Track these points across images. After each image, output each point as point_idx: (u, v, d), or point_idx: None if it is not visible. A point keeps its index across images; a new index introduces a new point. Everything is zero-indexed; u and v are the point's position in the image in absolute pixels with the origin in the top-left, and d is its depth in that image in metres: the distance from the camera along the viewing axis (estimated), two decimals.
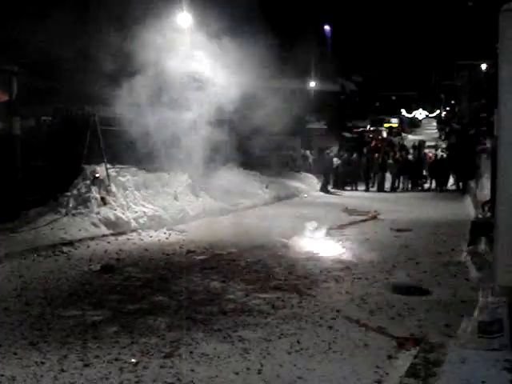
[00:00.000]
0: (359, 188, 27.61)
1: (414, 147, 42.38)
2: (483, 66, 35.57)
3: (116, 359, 5.64)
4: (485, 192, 14.46)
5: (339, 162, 27.56)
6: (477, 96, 36.08)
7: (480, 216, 11.70)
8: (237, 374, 5.32)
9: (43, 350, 5.86)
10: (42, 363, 5.54)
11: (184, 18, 15.75)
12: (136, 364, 5.51)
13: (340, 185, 27.28)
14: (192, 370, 5.37)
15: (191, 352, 5.83)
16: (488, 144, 20.23)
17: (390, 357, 5.72)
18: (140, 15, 13.78)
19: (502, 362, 4.95)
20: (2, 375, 5.22)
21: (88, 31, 15.68)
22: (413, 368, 5.10)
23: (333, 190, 26.22)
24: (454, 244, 12.08)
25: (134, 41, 13.36)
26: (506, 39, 5.61)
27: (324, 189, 26.13)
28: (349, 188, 27.49)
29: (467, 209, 18.52)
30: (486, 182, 15.01)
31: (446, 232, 13.80)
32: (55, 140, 14.85)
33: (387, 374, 5.29)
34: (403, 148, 39.82)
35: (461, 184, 26.36)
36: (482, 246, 10.35)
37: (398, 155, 30.10)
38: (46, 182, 13.85)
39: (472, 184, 22.57)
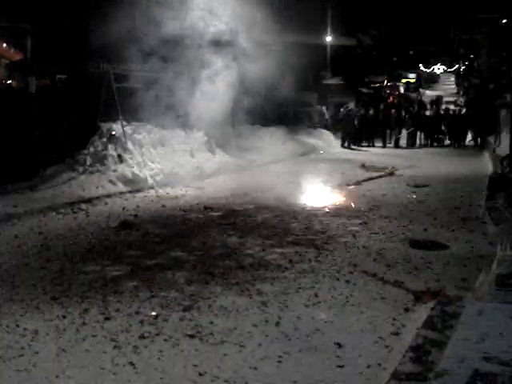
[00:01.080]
0: (376, 144, 27.41)
1: (431, 103, 41.86)
2: (503, 21, 34.77)
3: (136, 312, 5.73)
4: (503, 147, 14.32)
5: (356, 117, 27.28)
6: (496, 50, 35.35)
7: (498, 171, 11.61)
8: (255, 326, 5.39)
9: (65, 305, 5.96)
10: (64, 317, 5.64)
11: None
12: (156, 317, 5.60)
13: (357, 141, 27.08)
14: (211, 323, 5.45)
15: (210, 305, 5.90)
16: (508, 98, 19.92)
17: (406, 310, 5.76)
18: None
19: None
20: (26, 329, 5.33)
21: None
22: (430, 320, 5.14)
23: (351, 146, 26.08)
24: (471, 199, 12.03)
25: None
26: None
27: (342, 144, 26.05)
28: (366, 144, 27.29)
29: (485, 164, 18.36)
30: (504, 137, 14.86)
31: (463, 187, 13.71)
32: (71, 98, 14.83)
33: (404, 326, 5.34)
34: (421, 103, 39.35)
35: (479, 140, 26.10)
36: (500, 201, 10.31)
37: (415, 111, 29.76)
38: (62, 140, 13.90)
39: (491, 139, 22.34)
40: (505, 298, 5.23)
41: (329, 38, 33.70)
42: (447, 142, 27.80)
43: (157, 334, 5.21)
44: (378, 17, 43.61)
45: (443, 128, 28.17)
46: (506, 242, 5.85)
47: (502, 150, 14.47)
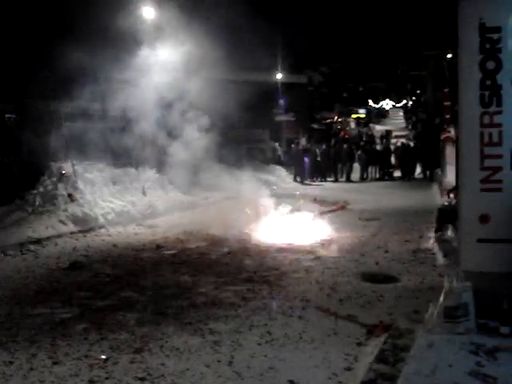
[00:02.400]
0: (328, 179, 27.75)
1: (381, 137, 42.76)
2: (447, 56, 35.98)
3: (86, 356, 5.60)
4: (450, 180, 14.67)
5: (308, 153, 27.63)
6: (441, 85, 36.48)
7: (446, 203, 11.86)
8: (208, 366, 5.33)
9: (12, 350, 5.81)
10: (11, 363, 5.48)
11: (148, 11, 15.66)
12: (106, 360, 5.49)
13: (309, 176, 27.38)
14: (162, 364, 5.37)
15: (161, 346, 5.82)
16: (452, 132, 20.50)
17: (359, 344, 5.78)
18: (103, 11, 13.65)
19: (468, 346, 5.04)
20: None
21: (54, 26, 15.48)
22: (382, 354, 5.18)
23: (303, 182, 26.32)
24: (421, 231, 12.24)
25: (100, 36, 13.23)
26: (465, 28, 5.71)
27: (294, 180, 26.29)
28: (318, 179, 27.61)
29: (434, 197, 18.74)
30: (450, 170, 15.23)
31: (413, 220, 13.97)
32: (20, 137, 14.64)
33: (357, 360, 5.36)
34: (371, 138, 40.14)
35: (428, 172, 26.70)
36: (449, 233, 10.51)
37: (365, 145, 30.35)
38: (11, 180, 13.67)
39: (438, 172, 22.87)
40: (453, 329, 5.30)
41: (280, 76, 34.24)
42: (397, 174, 28.35)
43: (106, 378, 5.10)
44: (328, 54, 44.63)
45: (393, 162, 28.79)
46: (453, 274, 5.95)
47: (449, 182, 14.82)
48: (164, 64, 14.89)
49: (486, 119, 5.64)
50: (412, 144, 30.72)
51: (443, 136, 22.68)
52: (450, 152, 18.25)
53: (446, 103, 27.45)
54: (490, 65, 5.60)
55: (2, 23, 14.80)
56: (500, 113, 5.62)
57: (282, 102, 34.18)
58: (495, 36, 5.57)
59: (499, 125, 5.62)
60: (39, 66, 15.04)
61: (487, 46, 5.60)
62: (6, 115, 16.54)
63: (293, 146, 28.41)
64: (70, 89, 14.03)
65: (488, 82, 5.62)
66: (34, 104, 15.85)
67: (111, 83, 13.73)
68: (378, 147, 31.11)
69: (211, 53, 14.25)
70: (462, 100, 5.83)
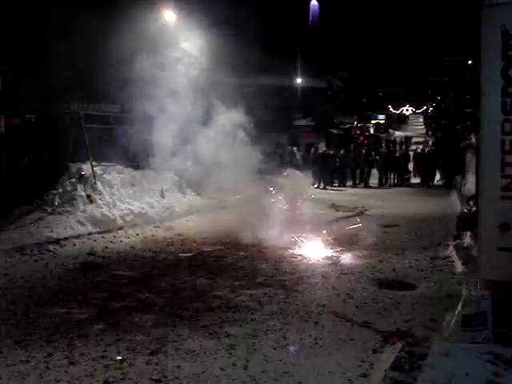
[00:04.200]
0: (347, 184, 27.64)
1: (400, 143, 42.57)
2: (469, 62, 35.74)
3: (101, 356, 5.63)
4: (470, 187, 14.54)
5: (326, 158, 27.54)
6: (462, 92, 36.24)
7: (465, 211, 11.76)
8: (223, 369, 5.33)
9: (29, 349, 5.85)
10: (28, 361, 5.52)
11: (169, 15, 15.75)
12: (121, 361, 5.51)
13: (328, 181, 27.28)
14: (178, 367, 5.37)
15: (177, 348, 5.83)
16: (473, 139, 20.33)
17: (375, 351, 5.75)
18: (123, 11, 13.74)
19: (485, 355, 4.99)
20: None
21: (74, 28, 15.61)
22: (397, 361, 5.14)
23: (321, 187, 26.24)
24: (440, 239, 12.14)
25: (120, 37, 13.30)
26: (487, 34, 5.67)
27: (313, 185, 26.20)
28: (336, 184, 27.51)
29: (453, 204, 18.59)
30: (471, 177, 15.11)
31: (432, 227, 13.87)
32: (40, 138, 14.78)
33: (372, 367, 5.33)
34: (390, 144, 39.99)
35: (447, 179, 26.49)
36: (468, 241, 10.43)
37: (385, 151, 30.22)
38: (31, 181, 13.77)
39: (458, 179, 22.69)
40: (470, 338, 5.25)
41: (300, 81, 34.23)
42: (416, 181, 28.18)
43: (122, 379, 5.11)
44: (347, 59, 44.49)
45: (411, 168, 28.66)
46: (472, 282, 5.90)
47: (469, 189, 14.70)
48: (186, 67, 14.96)
49: (508, 127, 5.60)
50: (432, 150, 30.53)
51: (464, 143, 22.52)
52: (470, 159, 18.11)
53: (467, 110, 27.25)
54: None
55: (25, 23, 14.96)
56: None
57: (300, 107, 34.18)
58: None
59: None
60: (60, 67, 15.18)
61: (510, 53, 5.55)
62: (27, 116, 16.69)
63: (313, 150, 28.31)
64: (90, 90, 14.14)
65: (510, 90, 5.58)
66: (54, 105, 15.99)
67: (132, 85, 13.80)
68: (397, 153, 30.93)
69: (231, 57, 14.30)
70: (484, 107, 5.79)
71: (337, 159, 27.78)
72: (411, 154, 30.58)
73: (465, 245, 10.39)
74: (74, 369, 5.35)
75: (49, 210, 12.98)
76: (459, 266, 9.25)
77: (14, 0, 15.76)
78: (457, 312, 5.49)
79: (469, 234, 10.51)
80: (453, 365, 4.77)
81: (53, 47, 14.53)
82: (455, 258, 9.95)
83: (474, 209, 12.10)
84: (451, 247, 10.83)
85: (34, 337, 6.20)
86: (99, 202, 13.72)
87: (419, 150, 30.27)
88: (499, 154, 5.62)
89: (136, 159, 15.26)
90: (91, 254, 10.67)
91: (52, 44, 14.52)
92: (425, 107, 77.68)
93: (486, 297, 5.41)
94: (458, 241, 10.87)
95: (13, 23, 14.76)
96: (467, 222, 10.49)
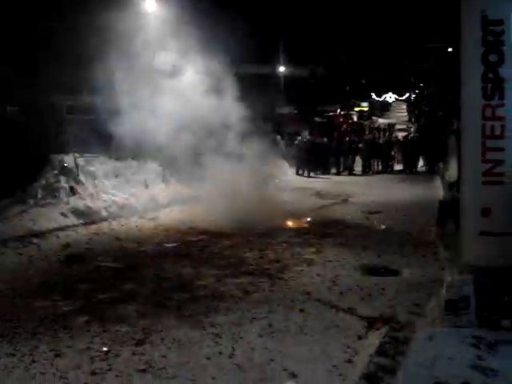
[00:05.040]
0: (331, 172, 27.71)
1: (384, 130, 42.69)
2: (450, 49, 35.88)
3: (87, 348, 5.61)
4: (453, 173, 14.64)
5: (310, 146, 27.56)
6: (444, 78, 36.41)
7: (448, 196, 11.85)
8: (208, 358, 5.34)
9: (13, 342, 5.81)
10: (13, 355, 5.49)
11: (148, 3, 15.65)
12: (107, 352, 5.50)
13: (312, 169, 27.33)
14: (163, 357, 5.38)
15: (163, 338, 5.83)
16: (455, 125, 20.46)
17: (360, 337, 5.79)
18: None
19: (469, 339, 5.04)
20: None
21: (55, 20, 15.44)
22: (382, 347, 5.19)
23: (305, 174, 26.30)
24: (423, 225, 12.23)
25: (101, 28, 13.18)
26: (467, 20, 5.69)
27: (296, 173, 26.25)
28: (320, 172, 27.57)
29: (436, 190, 18.72)
30: (453, 163, 15.20)
31: (415, 213, 13.95)
32: (22, 129, 14.61)
33: (357, 353, 5.36)
34: (375, 131, 40.08)
35: (430, 165, 26.68)
36: (451, 226, 10.50)
37: (368, 138, 30.32)
38: (13, 173, 13.63)
39: (441, 165, 22.85)
40: (454, 322, 5.31)
41: (282, 69, 34.17)
42: (399, 167, 28.34)
43: (108, 370, 5.11)
44: (330, 47, 44.44)
45: (392, 154, 28.81)
46: (455, 267, 5.96)
47: (451, 175, 14.80)
48: (164, 57, 14.85)
49: (488, 112, 5.63)
50: (414, 137, 30.69)
51: (446, 129, 22.67)
52: (452, 145, 18.22)
53: (449, 96, 27.43)
54: (493, 57, 5.58)
55: (6, 14, 14.74)
56: (502, 106, 5.60)
57: (283, 95, 34.14)
58: (498, 29, 5.55)
59: (501, 118, 5.61)
60: (42, 57, 15.00)
61: (490, 38, 5.58)
62: (8, 107, 16.51)
63: (299, 138, 28.31)
64: (72, 80, 14.00)
65: (490, 75, 5.61)
66: (36, 96, 15.82)
67: (115, 75, 13.67)
68: (381, 140, 31.04)
69: (211, 45, 14.21)
70: (465, 93, 5.83)
71: (320, 147, 27.84)
72: (394, 140, 30.71)
73: (448, 230, 10.46)
74: (59, 361, 5.33)
75: (31, 203, 12.86)
76: (442, 252, 9.31)
77: None
78: (440, 297, 5.54)
79: (452, 219, 10.58)
80: (436, 349, 4.81)
81: (35, 36, 14.38)
82: (438, 243, 10.03)
83: (456, 194, 12.20)
84: (434, 233, 10.91)
85: (19, 330, 6.16)
86: (82, 193, 13.64)
87: (401, 138, 30.41)
88: (480, 139, 5.66)
89: (119, 150, 15.15)
90: (67, 246, 10.60)
91: (34, 33, 14.37)
92: (408, 94, 77.86)
93: (468, 281, 5.46)
94: (441, 226, 10.95)
95: None
96: (450, 207, 10.56)
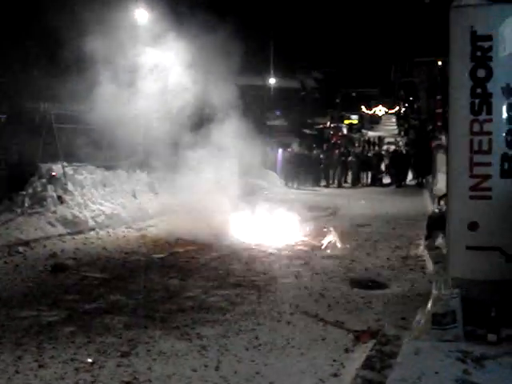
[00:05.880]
0: (320, 184, 27.77)
1: (373, 143, 42.90)
2: (439, 63, 36.17)
3: (72, 359, 5.55)
4: (441, 187, 14.71)
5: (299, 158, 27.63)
6: (433, 92, 36.68)
7: (436, 210, 11.89)
8: (194, 370, 5.30)
9: None
10: None
11: (141, 14, 15.66)
12: (92, 364, 5.44)
13: (301, 181, 27.38)
14: (149, 369, 5.33)
15: (148, 350, 5.78)
16: (443, 139, 20.59)
17: (346, 350, 5.77)
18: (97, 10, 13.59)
19: (455, 353, 5.04)
20: None
21: (44, 28, 15.43)
22: (368, 360, 5.17)
23: (295, 187, 26.34)
24: (411, 238, 12.27)
25: (91, 36, 13.17)
26: (456, 36, 5.74)
27: (286, 184, 26.30)
28: (309, 184, 27.62)
29: (425, 203, 18.80)
30: (441, 177, 15.27)
31: (404, 226, 14.00)
32: (10, 138, 14.56)
33: (344, 366, 5.34)
34: (363, 144, 40.28)
35: (419, 179, 26.80)
36: (439, 240, 10.53)
37: (358, 151, 30.46)
38: (0, 181, 13.57)
39: (429, 179, 22.96)
40: (440, 336, 5.30)
41: (272, 80, 34.28)
42: (388, 181, 28.45)
43: (92, 382, 5.05)
44: (321, 60, 44.70)
45: (382, 168, 28.93)
46: (442, 281, 5.96)
47: (439, 189, 14.89)
48: (157, 65, 14.87)
49: (476, 127, 5.67)
50: (404, 150, 30.85)
51: (434, 143, 22.79)
52: (440, 159, 18.32)
53: (437, 110, 27.60)
54: (481, 73, 5.63)
55: None
56: (490, 121, 5.64)
57: (273, 107, 34.23)
58: (486, 44, 5.60)
59: (489, 133, 5.64)
60: (30, 66, 14.99)
61: (478, 54, 5.62)
62: None
63: (288, 150, 28.38)
64: (60, 90, 13.95)
65: (478, 90, 5.65)
66: (23, 104, 15.77)
67: (105, 85, 13.65)
68: (370, 153, 31.19)
69: (201, 55, 14.24)
70: (453, 107, 5.86)
71: (309, 159, 27.92)
72: (384, 153, 30.85)
73: (436, 244, 10.48)
74: (43, 372, 5.27)
75: (18, 212, 12.78)
76: (430, 265, 9.33)
77: None
78: (427, 311, 5.54)
79: (440, 233, 10.61)
80: (422, 363, 4.81)
81: (22, 44, 14.36)
82: (426, 257, 10.04)
83: (444, 208, 12.24)
84: (422, 246, 10.94)
85: (3, 340, 6.09)
86: (70, 202, 13.57)
87: (391, 150, 30.55)
88: (468, 153, 5.70)
89: (108, 159, 15.12)
90: (54, 256, 10.52)
91: (21, 42, 14.34)
92: (397, 108, 78.39)
93: (455, 295, 5.46)
94: (429, 240, 10.97)
95: None
96: (438, 221, 10.60)
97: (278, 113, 34.37)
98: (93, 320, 6.76)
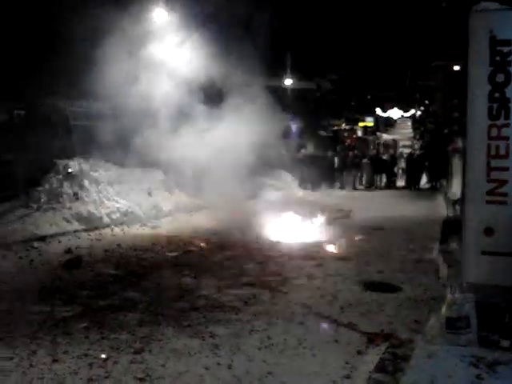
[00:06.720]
0: (334, 186, 27.69)
1: (388, 146, 42.71)
2: (456, 67, 36.00)
3: (85, 355, 5.61)
4: (456, 191, 14.63)
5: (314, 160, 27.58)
6: (450, 96, 36.51)
7: (451, 214, 11.84)
8: (207, 369, 5.33)
9: (12, 345, 5.82)
10: (11, 358, 5.50)
11: (159, 13, 15.72)
12: (106, 359, 5.50)
13: (315, 183, 27.31)
14: (162, 366, 5.37)
15: (161, 347, 5.82)
16: (460, 143, 20.46)
17: (359, 352, 5.77)
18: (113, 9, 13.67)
19: (468, 358, 5.03)
20: None
21: (62, 26, 15.54)
22: (381, 363, 5.16)
23: (308, 188, 26.27)
24: (425, 242, 12.18)
25: (108, 35, 13.25)
26: (474, 40, 5.71)
27: (300, 186, 26.23)
28: (323, 186, 27.54)
29: (439, 207, 18.69)
30: (456, 181, 15.19)
31: (417, 230, 13.91)
32: (28, 134, 14.67)
33: (356, 369, 5.34)
34: (378, 147, 40.14)
35: (434, 183, 26.67)
36: (453, 244, 10.48)
37: (372, 154, 30.36)
38: (17, 177, 13.69)
39: (444, 183, 22.83)
40: (454, 341, 5.29)
41: (289, 82, 34.26)
42: (402, 184, 28.33)
43: (106, 377, 5.10)
44: (337, 62, 44.58)
45: (395, 170, 28.82)
46: (456, 285, 5.94)
47: (454, 193, 14.79)
48: (176, 65, 14.93)
49: (494, 132, 5.64)
50: (418, 153, 30.69)
51: (450, 147, 22.66)
52: (456, 163, 18.21)
53: (454, 114, 27.45)
54: (500, 77, 5.61)
55: (13, 18, 14.84)
56: (508, 126, 5.61)
57: (289, 108, 34.14)
58: (505, 49, 5.57)
59: (507, 138, 5.62)
60: (49, 63, 15.07)
61: (497, 58, 5.60)
62: (15, 111, 16.58)
63: (303, 152, 28.32)
64: (78, 87, 14.05)
65: (497, 95, 5.62)
66: (42, 101, 15.89)
67: (123, 82, 13.71)
68: (385, 156, 31.06)
69: (220, 56, 14.27)
70: (471, 112, 5.83)
71: (324, 161, 27.85)
72: (398, 156, 30.74)
73: (450, 248, 10.43)
74: (57, 366, 5.33)
75: (35, 207, 12.92)
76: (444, 269, 9.28)
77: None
78: (441, 315, 5.52)
79: (454, 237, 10.56)
80: (435, 367, 4.80)
81: (42, 42, 14.46)
82: (440, 261, 9.98)
83: (459, 213, 12.20)
84: (436, 250, 10.88)
85: (18, 334, 6.17)
86: (86, 199, 13.67)
87: (405, 154, 30.45)
88: (485, 158, 5.67)
89: (124, 157, 15.18)
90: (69, 252, 10.59)
91: (41, 39, 14.44)
92: (413, 111, 77.97)
93: (469, 300, 5.44)
94: (443, 244, 10.92)
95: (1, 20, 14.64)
96: (452, 225, 10.55)
97: (293, 114, 34.31)
98: (106, 316, 6.82)
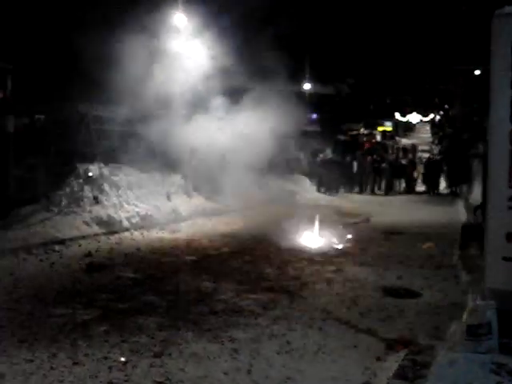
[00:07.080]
0: (353, 191, 27.62)
1: (407, 150, 42.47)
2: (477, 72, 35.73)
3: (105, 358, 5.63)
4: (476, 196, 14.53)
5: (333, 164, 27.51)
6: (470, 101, 36.24)
7: (471, 220, 11.75)
8: (226, 374, 5.33)
9: (32, 348, 5.85)
10: (32, 361, 5.53)
11: (179, 19, 15.82)
12: (125, 363, 5.51)
13: (333, 187, 27.25)
14: (181, 370, 5.37)
15: (181, 351, 5.83)
16: (480, 148, 20.32)
17: (378, 358, 5.73)
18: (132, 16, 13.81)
19: (489, 365, 4.97)
20: None
21: (83, 31, 15.69)
22: (401, 369, 5.12)
23: (327, 193, 26.22)
24: (445, 248, 12.11)
25: (128, 41, 13.36)
26: (497, 44, 5.67)
27: (318, 190, 26.19)
28: (342, 191, 27.48)
29: (459, 213, 18.57)
30: (477, 187, 15.09)
31: (437, 235, 13.82)
32: (49, 138, 14.82)
33: (375, 375, 5.31)
34: (397, 151, 39.94)
35: (454, 188, 26.51)
36: (473, 250, 10.41)
37: (391, 158, 30.24)
38: (38, 180, 13.82)
39: (464, 188, 22.69)
40: (475, 348, 5.24)
41: (308, 86, 34.26)
42: (421, 189, 28.19)
43: (125, 381, 5.11)
44: (355, 66, 44.46)
45: (415, 175, 28.70)
46: (477, 292, 5.90)
47: (475, 199, 14.69)
48: (195, 71, 15.00)
49: None
50: (437, 158, 30.53)
51: (471, 152, 22.53)
52: (476, 168, 18.10)
53: (474, 119, 27.26)
54: None
55: (35, 24, 15.03)
56: None
57: (309, 112, 34.10)
58: None
59: None
60: (70, 68, 15.24)
61: None
62: (36, 115, 16.76)
63: (321, 156, 28.28)
64: (100, 92, 14.17)
65: None
66: (63, 105, 16.04)
67: (143, 88, 13.82)
68: (404, 161, 30.93)
69: (239, 61, 14.33)
70: (493, 117, 5.79)
71: (342, 166, 27.78)
72: (418, 161, 30.59)
73: (470, 254, 10.37)
74: (77, 369, 5.36)
75: (55, 211, 13.02)
76: (464, 275, 9.22)
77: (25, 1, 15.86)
78: (462, 321, 5.48)
79: (474, 243, 10.49)
80: (456, 374, 4.75)
81: (64, 48, 14.60)
82: (460, 266, 9.92)
83: (479, 218, 12.12)
84: (456, 256, 10.81)
85: (39, 336, 6.21)
86: (106, 203, 13.77)
87: (425, 158, 30.30)
88: (507, 163, 5.62)
89: (143, 161, 15.28)
90: (89, 255, 10.67)
91: (63, 44, 14.58)
92: (432, 115, 77.49)
93: (491, 306, 5.39)
94: (463, 250, 10.86)
95: (23, 23, 14.84)
96: (473, 231, 10.50)
97: (313, 117, 34.27)
98: (126, 319, 6.84)
